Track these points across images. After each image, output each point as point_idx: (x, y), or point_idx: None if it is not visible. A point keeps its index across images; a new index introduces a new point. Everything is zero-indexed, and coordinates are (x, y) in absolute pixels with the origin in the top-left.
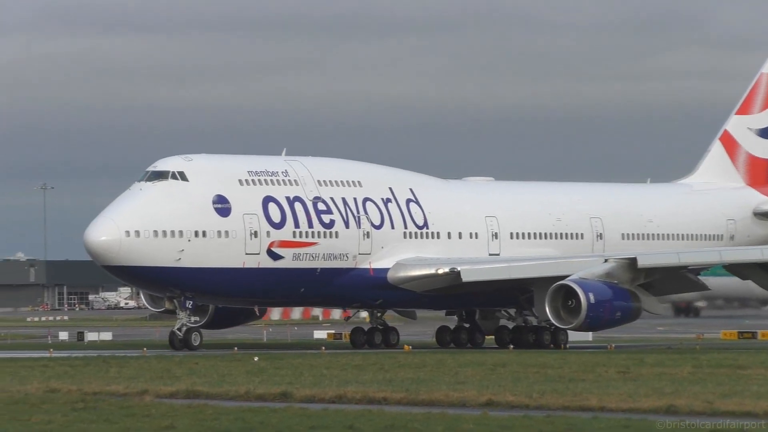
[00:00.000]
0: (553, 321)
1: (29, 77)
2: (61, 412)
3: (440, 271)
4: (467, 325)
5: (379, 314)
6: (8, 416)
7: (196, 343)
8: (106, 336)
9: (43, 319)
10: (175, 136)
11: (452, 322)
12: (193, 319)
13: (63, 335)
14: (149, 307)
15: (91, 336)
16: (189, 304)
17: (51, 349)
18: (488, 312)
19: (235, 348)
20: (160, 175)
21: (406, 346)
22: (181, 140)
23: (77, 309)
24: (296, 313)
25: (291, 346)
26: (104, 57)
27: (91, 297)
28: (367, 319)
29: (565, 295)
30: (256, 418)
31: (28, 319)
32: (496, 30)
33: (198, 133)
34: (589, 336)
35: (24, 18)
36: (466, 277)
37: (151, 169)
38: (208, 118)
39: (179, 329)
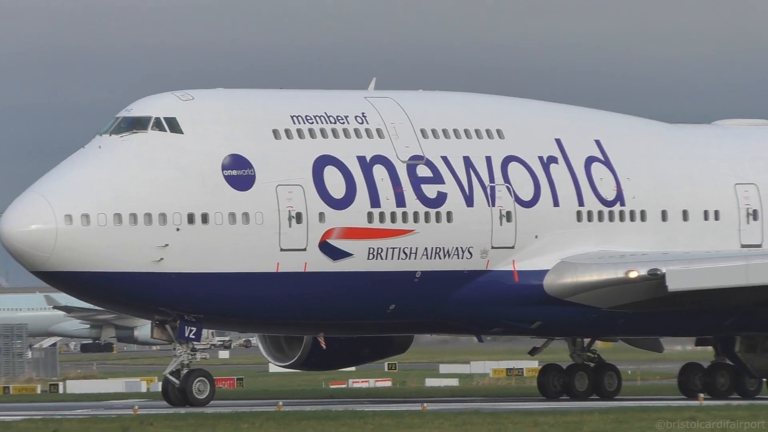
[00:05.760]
0: None
1: None
2: None
3: (633, 275)
4: (730, 363)
5: (585, 343)
6: None
7: (203, 396)
8: None
9: None
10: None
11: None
12: (199, 356)
13: None
14: (270, 359)
15: None
16: (191, 332)
17: None
18: (757, 340)
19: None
20: (136, 124)
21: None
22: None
23: None
24: None
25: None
26: None
27: None
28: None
29: None
30: None
31: None
32: None
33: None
34: None
35: None
36: (673, 285)
37: (122, 114)
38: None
39: (174, 373)
